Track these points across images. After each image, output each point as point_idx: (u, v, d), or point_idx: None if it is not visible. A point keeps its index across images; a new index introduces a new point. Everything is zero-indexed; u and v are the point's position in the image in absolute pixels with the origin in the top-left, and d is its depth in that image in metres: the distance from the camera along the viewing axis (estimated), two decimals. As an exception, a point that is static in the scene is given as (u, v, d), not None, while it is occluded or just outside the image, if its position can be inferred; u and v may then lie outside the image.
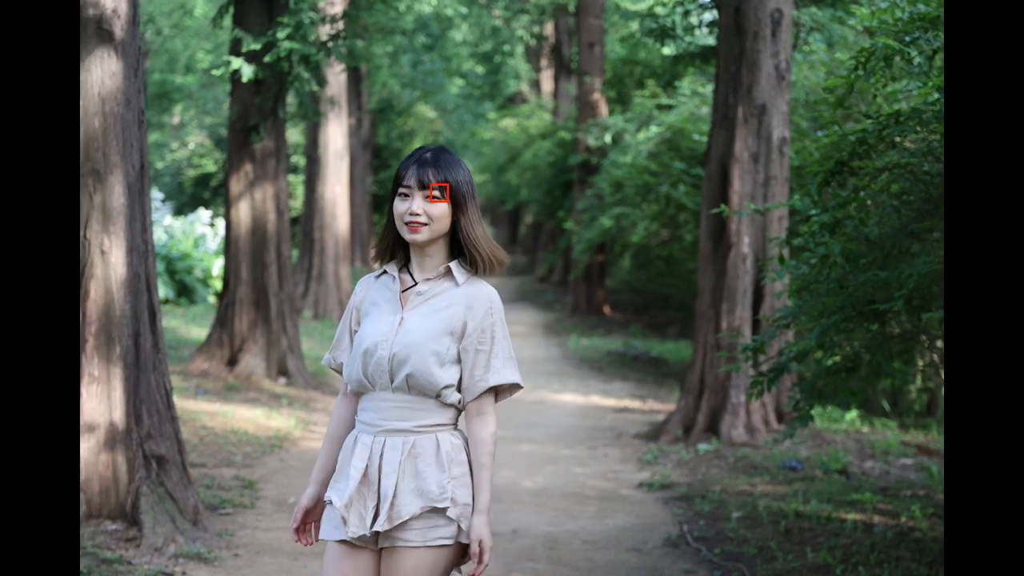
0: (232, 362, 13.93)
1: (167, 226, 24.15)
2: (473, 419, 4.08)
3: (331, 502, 4.10)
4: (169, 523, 7.46)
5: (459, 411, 4.12)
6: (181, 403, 11.26)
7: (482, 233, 4.09)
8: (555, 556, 7.82)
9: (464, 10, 32.33)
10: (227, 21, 15.45)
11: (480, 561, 3.95)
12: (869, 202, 7.18)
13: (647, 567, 7.68)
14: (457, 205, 4.05)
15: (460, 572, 4.16)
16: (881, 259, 6.76)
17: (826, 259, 6.80)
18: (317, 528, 4.27)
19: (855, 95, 8.98)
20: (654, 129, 19.03)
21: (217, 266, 22.95)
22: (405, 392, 4.02)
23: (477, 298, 4.06)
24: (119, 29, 7.53)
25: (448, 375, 4.02)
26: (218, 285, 22.72)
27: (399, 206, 4.05)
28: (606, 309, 23.89)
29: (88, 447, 7.48)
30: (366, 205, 28.48)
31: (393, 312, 4.09)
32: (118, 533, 7.41)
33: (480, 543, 3.96)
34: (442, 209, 4.02)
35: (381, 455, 4.02)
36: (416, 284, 4.11)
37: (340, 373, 4.28)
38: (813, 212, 7.05)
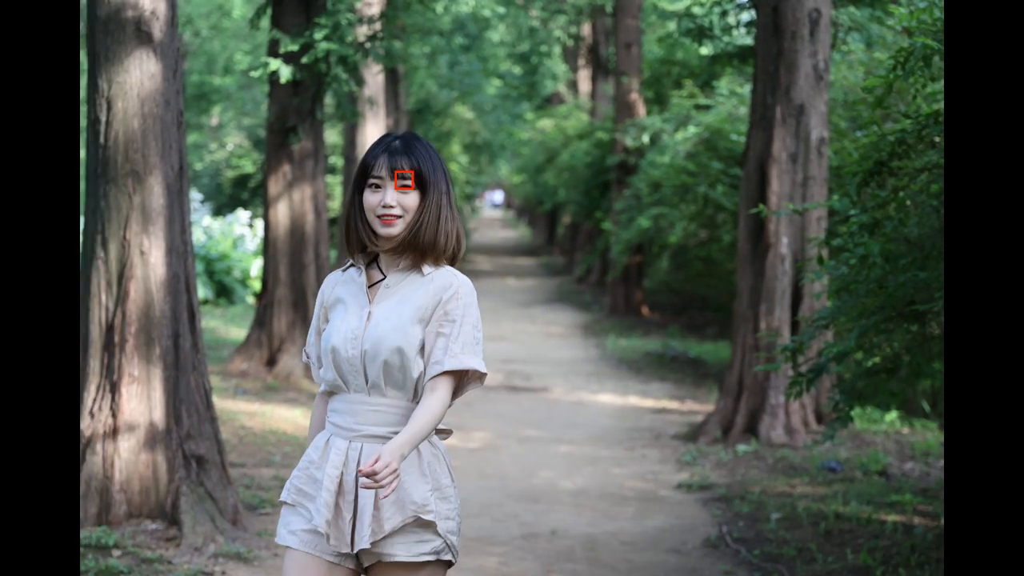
0: (271, 362, 13.99)
1: (206, 227, 24.24)
2: (425, 395, 3.80)
3: (294, 504, 3.91)
4: (209, 523, 7.49)
5: None
6: (220, 403, 11.31)
7: (442, 224, 3.89)
8: (594, 557, 7.81)
9: (501, 11, 32.31)
10: (265, 22, 15.51)
11: (374, 468, 3.54)
12: (908, 202, 7.14)
13: (686, 568, 7.66)
14: (424, 196, 3.86)
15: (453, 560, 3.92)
16: (921, 259, 6.73)
17: (865, 259, 6.77)
18: None
19: (894, 95, 8.92)
20: (692, 129, 18.98)
21: (255, 267, 23.02)
22: (381, 394, 3.84)
23: (444, 285, 3.86)
24: (158, 30, 7.57)
25: (420, 364, 3.83)
26: (256, 286, 22.79)
27: (371, 198, 3.85)
28: (644, 310, 23.84)
29: (128, 447, 7.52)
30: (403, 206, 28.52)
31: (360, 307, 3.91)
32: (158, 533, 7.45)
33: (379, 456, 3.57)
34: (416, 201, 3.85)
35: (358, 463, 3.80)
36: (384, 278, 3.93)
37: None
38: (852, 212, 7.02)
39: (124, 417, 7.53)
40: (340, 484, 3.82)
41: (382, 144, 3.89)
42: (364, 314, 3.88)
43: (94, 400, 7.57)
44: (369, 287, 3.94)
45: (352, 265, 4.02)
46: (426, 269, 3.89)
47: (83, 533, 7.22)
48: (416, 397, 3.86)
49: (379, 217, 3.84)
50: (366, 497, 3.77)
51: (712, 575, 7.54)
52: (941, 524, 8.36)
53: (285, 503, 3.95)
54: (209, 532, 7.42)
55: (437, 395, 3.79)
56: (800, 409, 11.63)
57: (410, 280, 3.90)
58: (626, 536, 8.34)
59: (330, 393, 3.97)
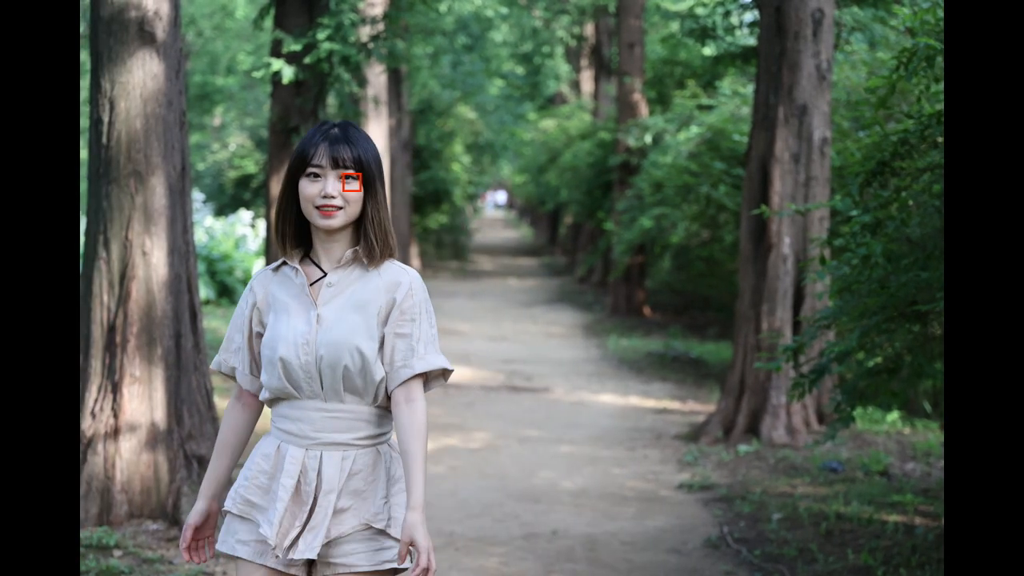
0: (272, 363, 13.97)
1: (208, 227, 24.23)
2: (401, 407, 3.64)
3: (239, 514, 3.75)
4: (210, 523, 7.49)
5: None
6: (222, 403, 11.31)
7: (387, 217, 3.72)
8: (594, 557, 7.81)
9: (504, 11, 32.33)
10: (268, 22, 15.49)
11: (418, 563, 3.46)
12: (911, 202, 7.14)
13: (687, 568, 7.66)
14: (368, 187, 3.67)
15: None
16: (923, 260, 6.73)
17: (867, 260, 6.77)
18: (211, 544, 3.90)
19: (897, 95, 8.92)
20: (694, 129, 18.96)
21: (257, 267, 23.01)
22: (339, 400, 3.65)
23: (394, 281, 3.69)
24: (160, 31, 7.58)
25: (382, 368, 3.66)
26: (259, 286, 22.74)
27: (309, 188, 3.63)
28: (646, 310, 23.83)
29: (129, 447, 7.53)
30: (406, 206, 28.52)
31: (306, 309, 3.69)
32: (159, 533, 7.45)
33: (413, 543, 3.50)
34: (358, 192, 3.65)
35: (319, 471, 3.64)
36: (325, 275, 3.71)
37: (231, 377, 3.94)
38: (854, 213, 7.02)
39: (125, 417, 7.53)
40: (297, 493, 3.66)
41: (320, 132, 3.69)
42: (312, 317, 3.68)
43: (95, 400, 7.57)
44: (310, 285, 3.74)
45: (284, 264, 3.80)
46: (371, 264, 3.71)
47: (84, 533, 7.23)
48: (377, 401, 3.69)
49: (318, 208, 3.64)
50: (326, 506, 3.63)
51: (713, 575, 7.54)
52: (942, 524, 8.36)
53: (230, 512, 3.79)
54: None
55: (417, 404, 3.66)
56: (801, 409, 11.63)
57: (355, 277, 3.72)
58: (627, 536, 8.34)
59: (272, 400, 3.77)
